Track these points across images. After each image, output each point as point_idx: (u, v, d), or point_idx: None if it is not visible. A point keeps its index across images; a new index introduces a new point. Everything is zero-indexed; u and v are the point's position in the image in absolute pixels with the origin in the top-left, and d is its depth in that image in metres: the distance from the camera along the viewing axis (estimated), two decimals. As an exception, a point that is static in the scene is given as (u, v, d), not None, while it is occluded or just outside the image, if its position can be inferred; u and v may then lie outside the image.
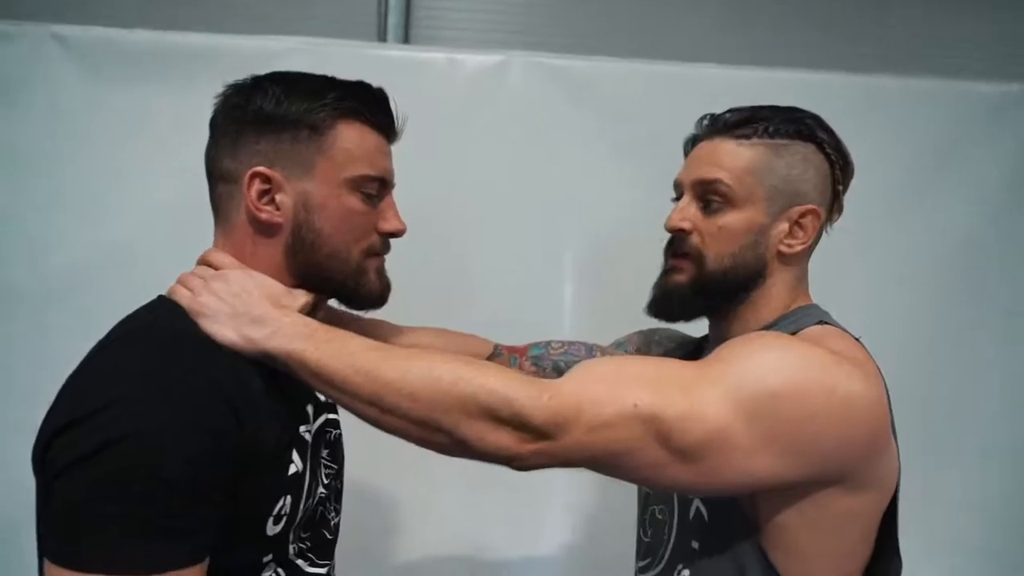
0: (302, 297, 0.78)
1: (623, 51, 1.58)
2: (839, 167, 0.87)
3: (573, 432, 0.70)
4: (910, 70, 1.64)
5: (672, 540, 0.89)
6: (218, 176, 0.81)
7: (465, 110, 1.49)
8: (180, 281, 0.78)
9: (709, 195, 0.86)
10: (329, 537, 0.86)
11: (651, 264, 0.93)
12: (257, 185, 0.78)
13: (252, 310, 0.73)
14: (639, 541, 0.99)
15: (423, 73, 1.49)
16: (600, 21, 2.00)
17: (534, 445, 0.70)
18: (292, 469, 0.77)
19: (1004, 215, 1.57)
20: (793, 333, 0.82)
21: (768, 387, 0.71)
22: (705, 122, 0.90)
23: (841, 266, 1.48)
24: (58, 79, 1.40)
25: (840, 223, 1.39)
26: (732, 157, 0.85)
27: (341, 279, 0.81)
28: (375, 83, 0.84)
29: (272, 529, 0.74)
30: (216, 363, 0.70)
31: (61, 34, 1.40)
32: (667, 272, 0.90)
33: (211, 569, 0.67)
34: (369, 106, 0.81)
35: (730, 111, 0.88)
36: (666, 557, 0.89)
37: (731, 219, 0.85)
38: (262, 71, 0.84)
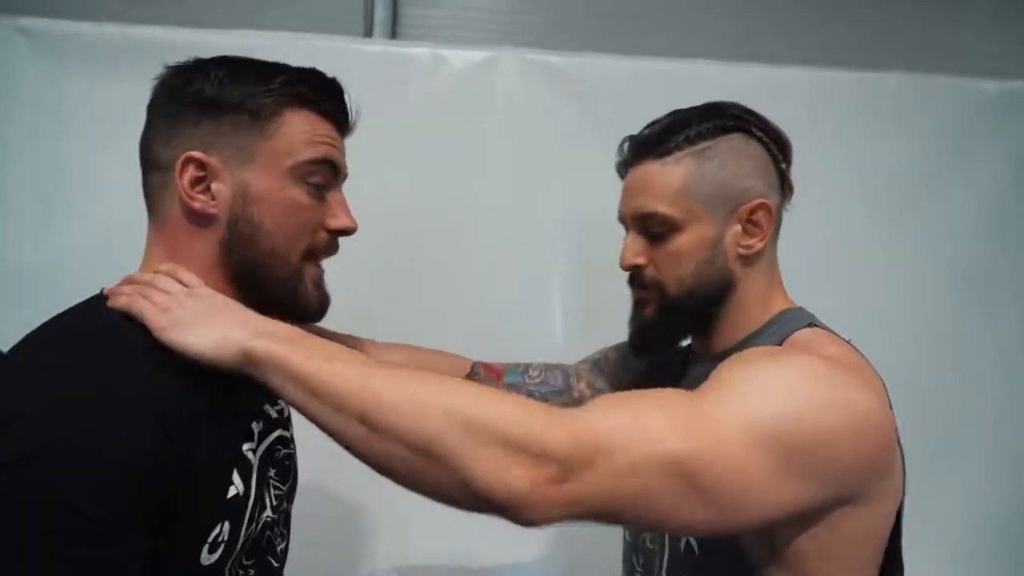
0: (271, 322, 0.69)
1: (614, 47, 1.53)
2: (774, 146, 0.84)
3: (597, 473, 0.60)
4: (915, 67, 1.58)
5: (664, 570, 0.84)
6: (152, 164, 0.73)
7: (452, 107, 1.44)
8: (142, 293, 0.69)
9: (651, 227, 0.83)
10: (275, 565, 0.80)
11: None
12: (191, 171, 0.70)
13: (233, 316, 0.67)
14: (630, 570, 0.92)
15: (409, 69, 1.44)
16: (590, 17, 1.96)
17: (552, 487, 0.59)
18: (232, 492, 0.69)
19: (1011, 211, 1.52)
20: (782, 341, 0.78)
21: (778, 412, 0.65)
22: (626, 146, 0.86)
23: (846, 262, 1.48)
24: (22, 72, 1.34)
25: (847, 219, 1.34)
26: (662, 181, 0.82)
27: (277, 282, 0.73)
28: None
29: (207, 558, 0.66)
30: (153, 377, 0.63)
31: (28, 28, 1.34)
32: (635, 306, 0.88)
33: None
34: (320, 94, 0.74)
35: (648, 127, 0.85)
36: None
37: (680, 243, 0.82)
38: None
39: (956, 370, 1.52)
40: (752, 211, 0.81)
